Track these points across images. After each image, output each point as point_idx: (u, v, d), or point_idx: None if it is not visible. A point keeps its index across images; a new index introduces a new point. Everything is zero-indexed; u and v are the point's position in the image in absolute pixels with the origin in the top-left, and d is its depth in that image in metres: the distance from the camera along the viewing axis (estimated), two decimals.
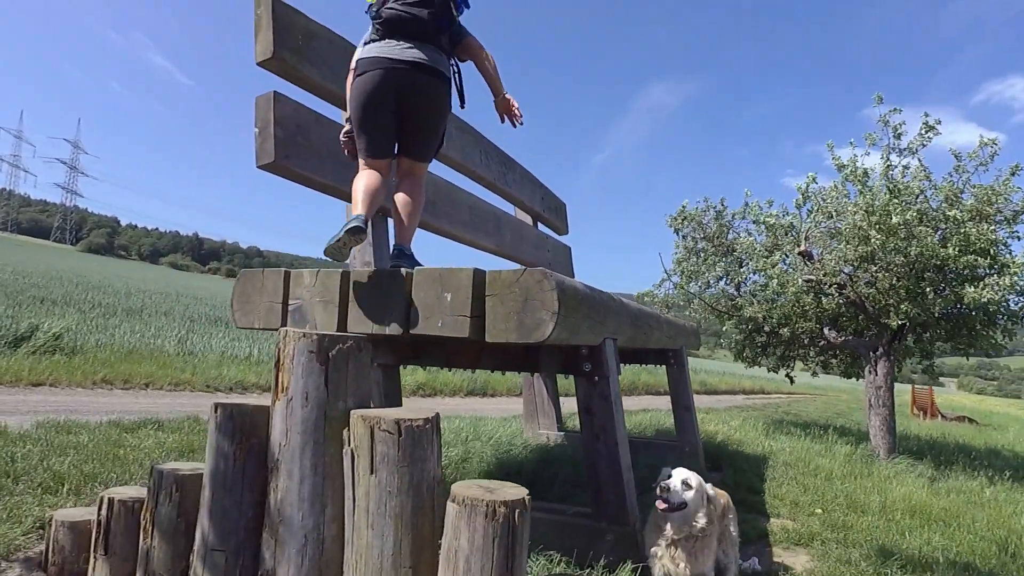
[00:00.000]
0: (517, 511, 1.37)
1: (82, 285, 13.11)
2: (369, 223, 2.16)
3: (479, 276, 1.79)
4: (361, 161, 2.32)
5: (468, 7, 2.57)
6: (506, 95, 2.67)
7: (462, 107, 2.64)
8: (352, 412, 1.53)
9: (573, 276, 5.30)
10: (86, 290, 11.99)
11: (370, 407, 1.64)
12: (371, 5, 2.40)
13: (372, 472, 1.44)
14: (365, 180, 2.26)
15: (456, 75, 2.52)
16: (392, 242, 2.39)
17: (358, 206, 2.18)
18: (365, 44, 2.34)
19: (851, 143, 6.13)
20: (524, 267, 1.77)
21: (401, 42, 2.31)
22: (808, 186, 6.30)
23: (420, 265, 2.22)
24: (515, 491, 1.43)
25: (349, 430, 1.52)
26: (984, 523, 3.45)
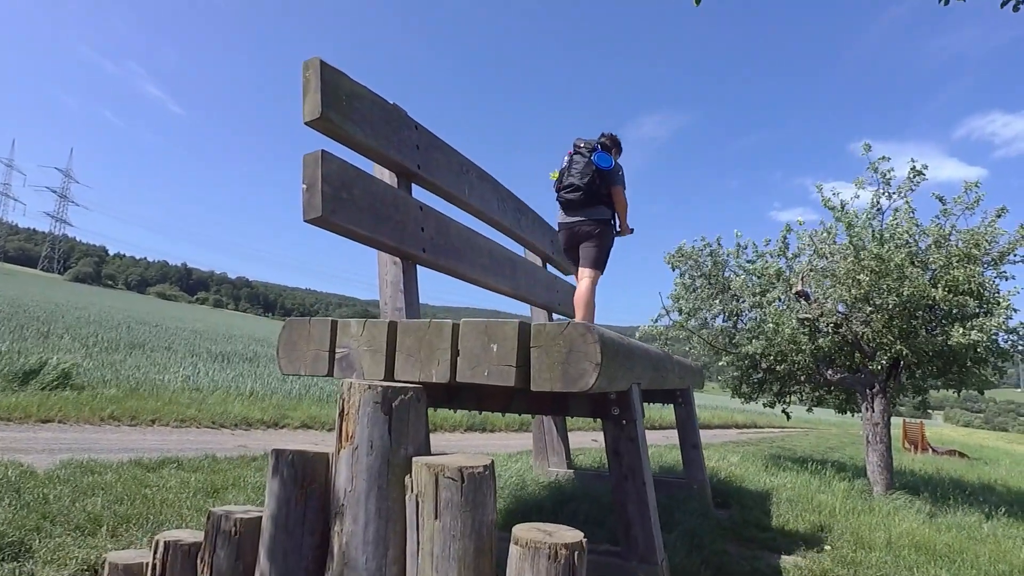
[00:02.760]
0: (576, 552, 1.47)
1: (82, 319, 13.07)
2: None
3: (524, 328, 1.91)
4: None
5: (608, 166, 4.08)
6: (627, 225, 4.38)
7: (616, 234, 4.36)
8: (415, 459, 1.63)
9: None
10: (87, 324, 11.95)
11: (426, 453, 1.75)
12: (554, 181, 4.24)
13: (436, 517, 1.54)
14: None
15: (613, 216, 4.26)
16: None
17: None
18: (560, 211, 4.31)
19: (834, 193, 6.39)
20: (568, 320, 1.90)
21: (568, 214, 4.21)
22: (785, 237, 6.68)
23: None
24: (572, 534, 1.53)
25: (412, 476, 1.62)
26: (987, 558, 3.56)
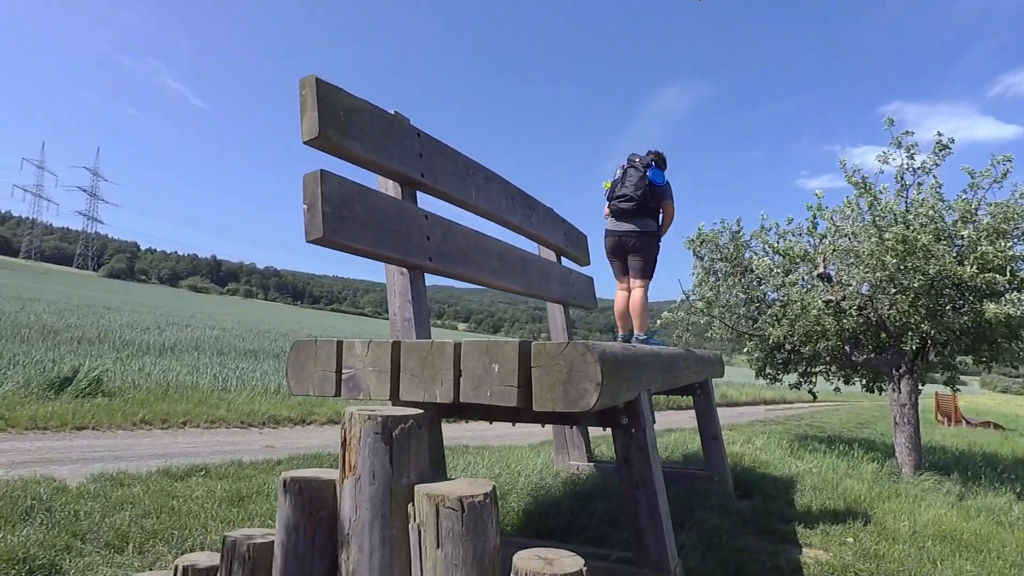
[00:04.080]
0: None
1: (114, 322, 13.44)
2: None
3: (524, 348, 1.91)
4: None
5: (661, 182, 4.47)
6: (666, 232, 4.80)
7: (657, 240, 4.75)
8: (416, 488, 1.65)
9: (596, 305, 5.41)
10: (118, 328, 12.29)
11: (428, 479, 1.76)
12: (606, 190, 4.62)
13: (439, 546, 1.56)
14: (618, 299, 4.73)
15: (659, 227, 4.62)
16: None
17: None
18: (606, 217, 4.70)
19: (855, 170, 6.21)
20: (568, 341, 1.89)
21: (619, 222, 4.60)
22: (815, 216, 6.50)
23: (662, 342, 4.55)
24: (572, 562, 1.54)
25: (414, 505, 1.64)
26: (1013, 547, 3.50)
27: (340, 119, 2.50)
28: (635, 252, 4.50)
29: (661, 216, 4.81)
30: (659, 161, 4.68)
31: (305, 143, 2.44)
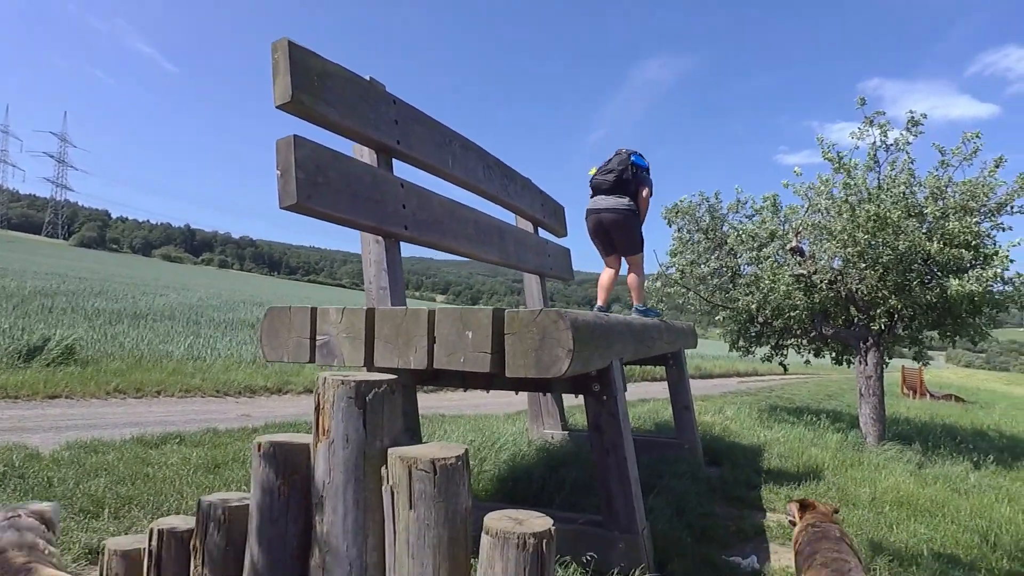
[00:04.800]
0: (544, 541, 1.52)
1: (87, 291, 13.16)
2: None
3: (498, 315, 1.93)
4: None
5: (643, 164, 4.61)
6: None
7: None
8: (389, 451, 1.68)
9: (573, 277, 5.46)
10: (90, 297, 12.05)
11: (402, 443, 1.79)
12: (592, 176, 4.65)
13: (411, 508, 1.59)
14: (603, 275, 4.77)
15: (637, 209, 4.54)
16: None
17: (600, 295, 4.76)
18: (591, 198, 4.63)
19: (830, 146, 6.29)
20: (541, 308, 1.91)
21: (599, 197, 4.56)
22: (775, 199, 6.65)
23: (657, 313, 4.65)
24: (541, 522, 1.58)
25: (387, 468, 1.66)
26: (967, 512, 3.66)
27: (313, 83, 2.46)
28: (618, 229, 4.54)
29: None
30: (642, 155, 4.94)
31: (278, 107, 2.40)
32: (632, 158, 4.62)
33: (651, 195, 4.66)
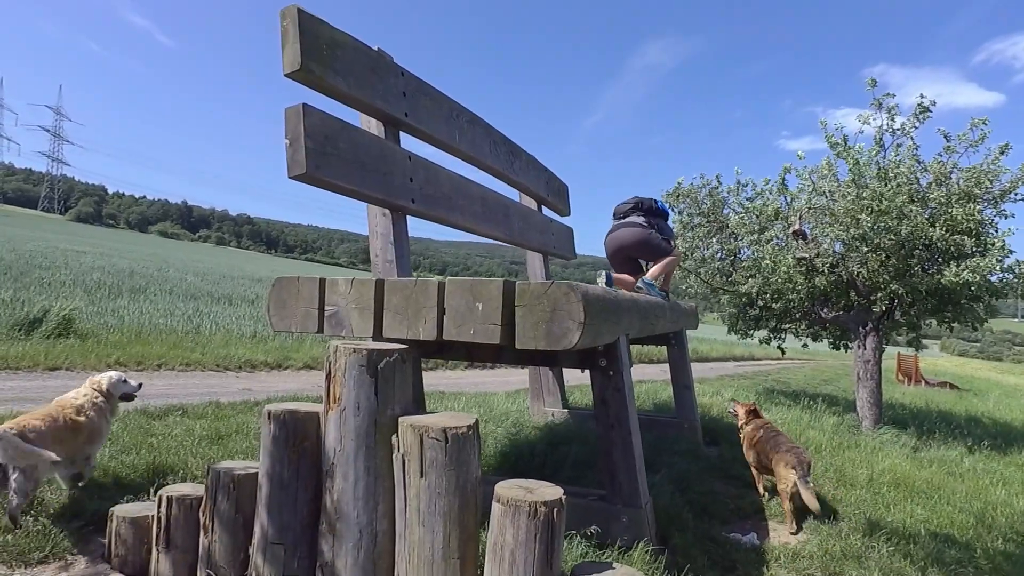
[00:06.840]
0: (555, 509, 1.54)
1: (85, 264, 13.12)
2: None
3: (509, 287, 1.93)
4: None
5: (666, 209, 4.62)
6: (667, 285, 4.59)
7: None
8: (401, 420, 1.68)
9: (575, 256, 5.45)
10: (89, 270, 12.01)
11: (412, 413, 1.80)
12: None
13: (422, 475, 1.60)
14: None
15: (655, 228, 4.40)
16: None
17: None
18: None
19: (836, 128, 6.25)
20: (552, 281, 1.91)
21: (616, 222, 4.47)
22: (784, 177, 6.60)
23: (662, 295, 4.25)
24: (552, 491, 1.60)
25: (399, 436, 1.67)
26: (963, 495, 3.70)
27: (323, 52, 2.43)
28: (635, 243, 4.34)
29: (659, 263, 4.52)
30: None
31: (286, 76, 2.37)
32: (659, 204, 4.59)
33: (676, 261, 4.49)
